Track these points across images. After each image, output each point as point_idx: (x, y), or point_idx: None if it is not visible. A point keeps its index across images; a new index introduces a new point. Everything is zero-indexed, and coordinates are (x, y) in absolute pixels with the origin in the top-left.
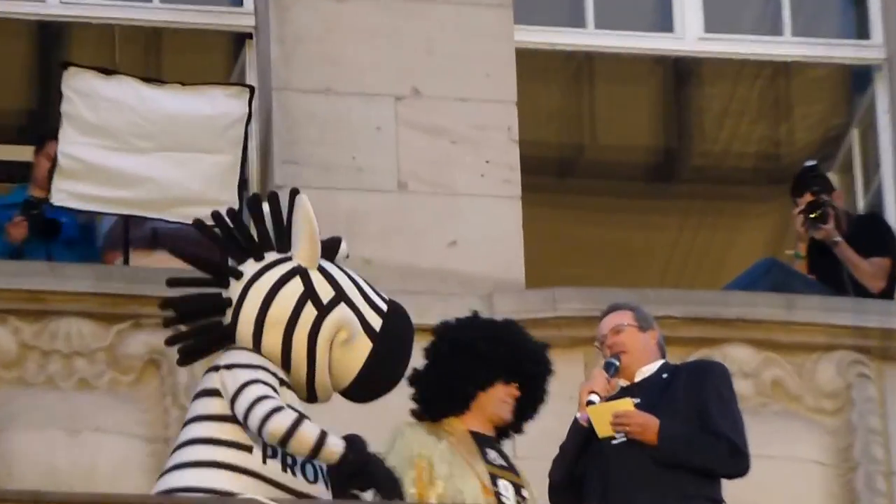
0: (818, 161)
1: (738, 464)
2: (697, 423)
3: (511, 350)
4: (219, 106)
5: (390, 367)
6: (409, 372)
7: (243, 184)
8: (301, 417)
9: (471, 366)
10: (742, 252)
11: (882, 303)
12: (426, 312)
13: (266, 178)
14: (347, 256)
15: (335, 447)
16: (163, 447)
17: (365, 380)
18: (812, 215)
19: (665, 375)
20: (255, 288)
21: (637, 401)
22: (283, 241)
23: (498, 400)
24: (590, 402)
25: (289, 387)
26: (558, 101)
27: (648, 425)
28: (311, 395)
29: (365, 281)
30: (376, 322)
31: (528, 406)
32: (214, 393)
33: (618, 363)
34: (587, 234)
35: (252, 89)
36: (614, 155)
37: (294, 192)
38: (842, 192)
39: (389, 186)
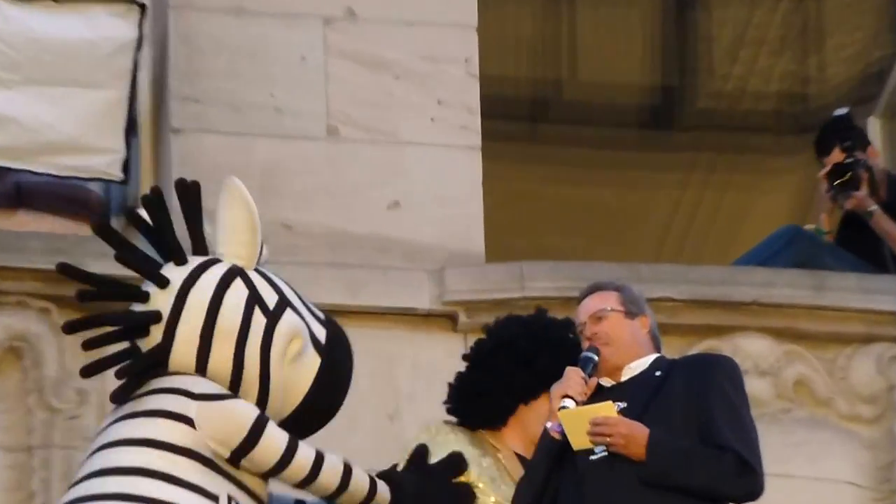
0: (853, 106)
1: (747, 484)
2: (697, 434)
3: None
4: (101, 28)
5: (339, 387)
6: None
7: (131, 127)
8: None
9: (514, 373)
10: (760, 218)
11: None
12: (361, 290)
13: (160, 119)
14: (266, 261)
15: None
16: (25, 458)
17: (315, 401)
18: (839, 181)
19: (658, 373)
20: (193, 295)
21: (622, 405)
22: (198, 238)
23: (542, 416)
24: (563, 409)
25: None
26: (529, 27)
27: (634, 435)
28: None
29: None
30: (321, 332)
31: None
32: (176, 417)
33: (596, 358)
34: (564, 194)
35: (143, 7)
36: (599, 95)
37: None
38: (880, 148)
39: (316, 132)
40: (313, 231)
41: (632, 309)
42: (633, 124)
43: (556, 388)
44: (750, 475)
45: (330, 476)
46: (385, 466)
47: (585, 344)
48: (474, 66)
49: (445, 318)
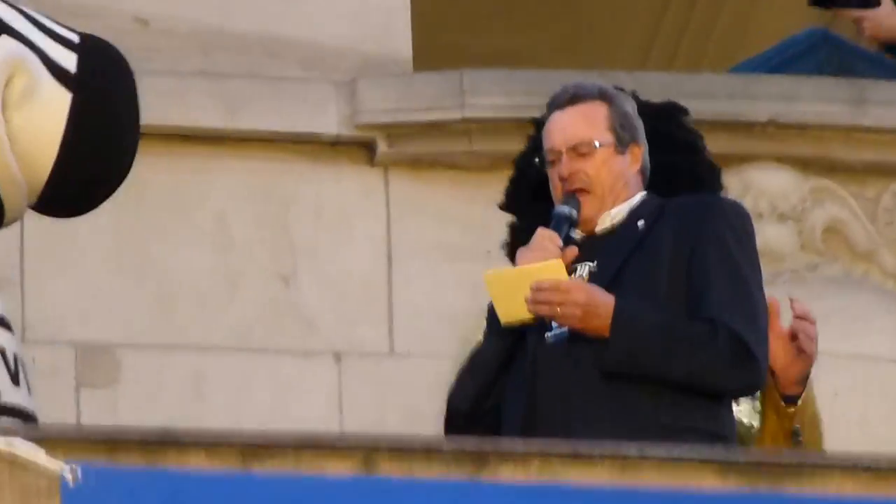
0: None
1: (744, 375)
2: (685, 305)
3: None
4: None
5: (111, 126)
6: None
7: None
8: None
9: None
10: (776, 11)
11: None
12: (243, 109)
13: None
14: None
15: None
16: None
17: (77, 154)
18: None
19: (641, 223)
20: None
21: (591, 265)
22: None
23: None
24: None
25: None
26: None
27: (595, 303)
28: None
29: (46, 15)
30: (68, 59)
31: None
32: None
33: (576, 214)
34: None
35: None
36: None
37: None
38: None
39: None
40: (178, 28)
41: (624, 136)
42: None
43: (522, 257)
44: (748, 363)
45: None
46: (276, 341)
47: (557, 187)
48: None
49: (359, 147)
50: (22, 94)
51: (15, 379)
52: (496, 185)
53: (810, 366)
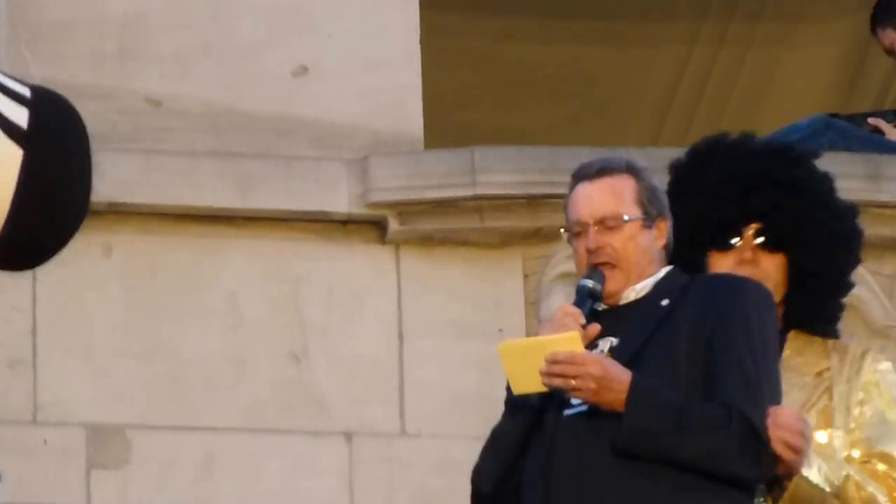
0: None
1: (756, 461)
2: (701, 385)
3: None
4: None
5: (64, 182)
6: None
7: None
8: None
9: None
10: (795, 82)
11: None
12: (255, 188)
13: None
14: None
15: None
16: None
17: (30, 209)
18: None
19: (666, 301)
20: None
21: (614, 341)
22: None
23: None
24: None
25: None
26: None
27: (610, 378)
28: None
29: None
30: (19, 115)
31: None
32: None
33: (600, 289)
34: (528, 55)
35: None
36: None
37: None
38: None
39: None
40: (190, 108)
41: (651, 211)
42: None
43: (542, 330)
44: (761, 452)
45: None
46: (287, 421)
47: (582, 259)
48: None
49: (370, 226)
50: None
51: None
52: (507, 262)
53: (792, 470)
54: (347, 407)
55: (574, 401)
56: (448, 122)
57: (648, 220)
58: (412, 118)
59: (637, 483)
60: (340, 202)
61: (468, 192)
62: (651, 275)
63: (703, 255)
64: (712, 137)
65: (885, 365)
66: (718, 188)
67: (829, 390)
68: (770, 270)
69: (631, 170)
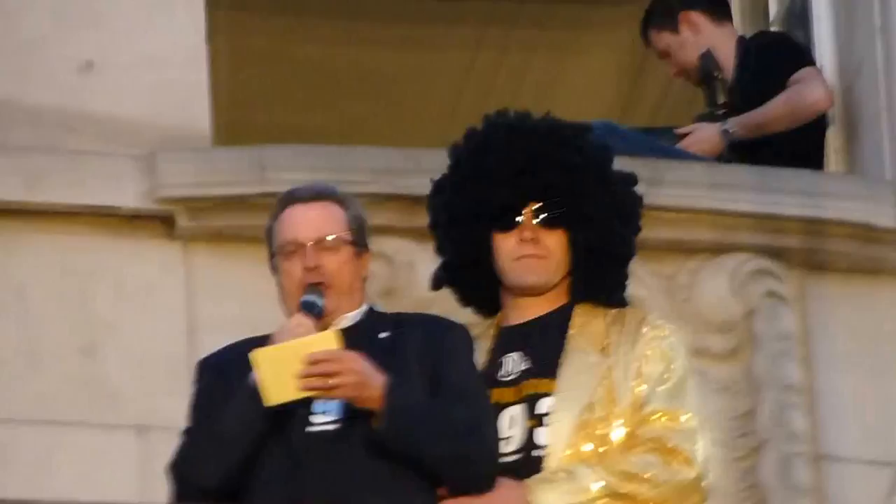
0: None
1: (468, 463)
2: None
3: None
4: None
5: None
6: None
7: None
8: None
9: None
10: (578, 87)
11: (807, 175)
12: (40, 182)
13: None
14: None
15: None
16: None
17: None
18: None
19: (385, 334)
20: None
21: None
22: None
23: None
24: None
25: None
26: None
27: (370, 372)
28: None
29: None
30: None
31: None
32: None
33: (321, 303)
34: (318, 54)
35: None
36: None
37: None
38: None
39: None
40: None
41: (360, 241)
42: None
43: (280, 341)
44: (476, 436)
45: None
46: (78, 414)
47: (298, 275)
48: None
49: (158, 221)
50: None
51: None
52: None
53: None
54: (139, 400)
55: (317, 418)
56: (235, 120)
57: (358, 248)
58: (200, 115)
59: (392, 484)
60: (128, 197)
61: (257, 189)
62: (359, 302)
63: (487, 236)
64: (489, 119)
65: (658, 332)
66: (496, 171)
67: (610, 369)
68: (552, 247)
69: (339, 199)
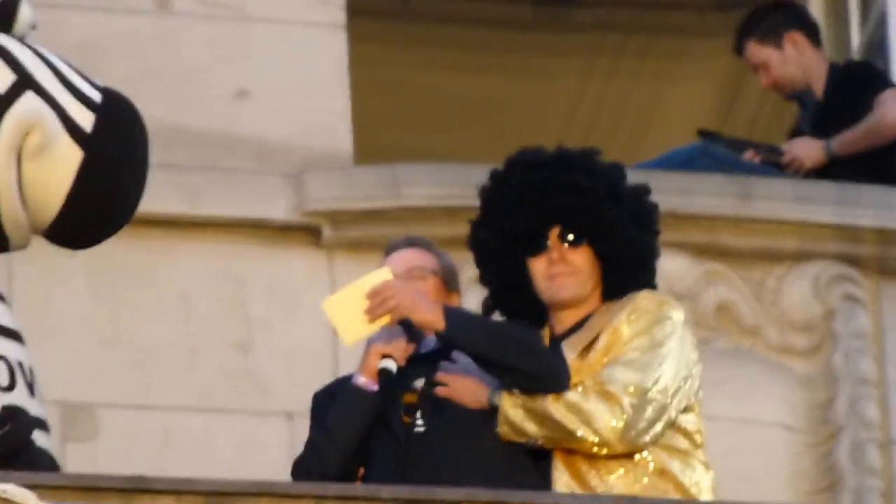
0: None
1: (530, 353)
2: None
3: None
4: None
5: (114, 184)
6: None
7: None
8: None
9: None
10: (677, 113)
11: (882, 190)
12: (201, 198)
13: None
14: (35, 27)
15: None
16: None
17: (79, 205)
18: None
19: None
20: None
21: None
22: None
23: None
24: (384, 371)
25: None
26: None
27: (421, 294)
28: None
29: (71, 66)
30: (85, 119)
31: None
32: None
33: (411, 324)
34: (445, 83)
35: None
36: None
37: None
38: (822, 23)
39: (144, 5)
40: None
41: (451, 282)
42: None
43: (376, 345)
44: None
45: None
46: (234, 403)
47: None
48: None
49: (305, 232)
50: (36, 148)
51: (31, 390)
52: None
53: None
54: (288, 390)
55: (418, 421)
56: (373, 141)
57: (449, 286)
58: (342, 138)
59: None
60: (279, 211)
61: (393, 203)
62: None
63: (522, 263)
64: (509, 158)
65: (648, 303)
66: (517, 203)
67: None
68: (578, 263)
69: (433, 251)
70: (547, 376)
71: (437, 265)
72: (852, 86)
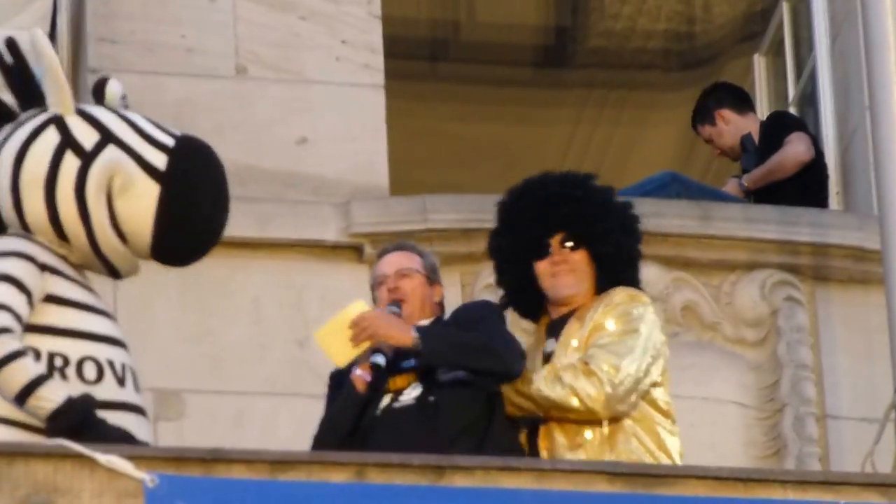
0: (737, 44)
1: (502, 360)
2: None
3: None
4: None
5: (193, 209)
6: None
7: None
8: (19, 353)
9: None
10: (649, 151)
11: (815, 212)
12: (270, 223)
13: (78, 60)
14: (125, 97)
15: (49, 400)
16: None
17: (166, 230)
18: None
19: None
20: (4, 152)
21: (411, 363)
22: (31, 94)
23: None
24: (375, 364)
25: (73, 266)
26: None
27: (395, 323)
28: (108, 266)
29: (150, 120)
30: (159, 159)
31: None
32: None
33: (399, 311)
34: (464, 130)
35: None
36: (495, 35)
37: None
38: (763, 85)
39: (226, 71)
40: (224, 167)
41: (432, 277)
42: (528, 63)
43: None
44: (507, 354)
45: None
46: (295, 388)
47: (385, 295)
48: (376, 7)
49: (351, 250)
50: (121, 188)
51: (122, 383)
52: (449, 276)
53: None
54: None
55: (401, 398)
56: (406, 177)
57: (429, 281)
58: (380, 174)
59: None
60: (330, 233)
61: (421, 226)
62: (430, 315)
63: (530, 267)
64: (525, 180)
65: (621, 297)
66: (527, 214)
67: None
68: (578, 264)
69: (417, 251)
70: (503, 370)
71: (421, 264)
72: (776, 131)
